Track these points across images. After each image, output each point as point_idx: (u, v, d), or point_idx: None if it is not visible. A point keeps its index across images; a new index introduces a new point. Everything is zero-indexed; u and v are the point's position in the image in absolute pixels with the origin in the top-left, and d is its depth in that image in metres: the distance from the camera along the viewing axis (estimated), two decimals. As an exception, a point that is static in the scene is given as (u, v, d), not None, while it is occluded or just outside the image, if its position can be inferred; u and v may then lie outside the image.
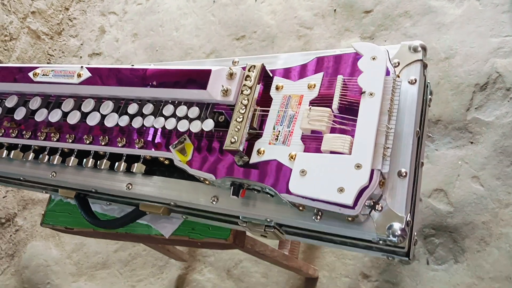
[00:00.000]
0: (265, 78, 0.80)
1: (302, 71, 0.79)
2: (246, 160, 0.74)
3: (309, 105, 0.74)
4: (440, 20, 1.63)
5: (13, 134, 0.95)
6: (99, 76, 0.86)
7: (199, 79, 0.77)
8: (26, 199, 1.98)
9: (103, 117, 0.85)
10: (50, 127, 0.92)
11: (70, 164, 0.91)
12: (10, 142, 0.97)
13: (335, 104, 0.72)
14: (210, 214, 0.86)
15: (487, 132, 1.44)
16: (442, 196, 1.41)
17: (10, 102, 0.94)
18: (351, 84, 0.74)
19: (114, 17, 2.36)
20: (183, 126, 0.77)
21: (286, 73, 0.80)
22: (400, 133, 0.72)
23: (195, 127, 0.76)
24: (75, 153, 0.92)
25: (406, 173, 0.70)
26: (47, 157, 0.94)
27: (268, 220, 0.77)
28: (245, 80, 0.76)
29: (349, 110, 0.72)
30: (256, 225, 0.79)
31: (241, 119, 0.74)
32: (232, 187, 0.75)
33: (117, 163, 0.87)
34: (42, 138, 0.92)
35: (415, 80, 0.75)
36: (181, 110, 0.78)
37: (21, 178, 1.01)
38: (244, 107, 0.74)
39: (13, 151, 0.97)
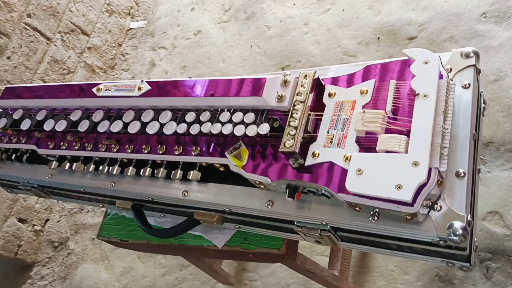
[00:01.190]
0: (318, 86, 0.82)
1: (353, 79, 0.82)
2: (301, 163, 0.75)
3: (362, 109, 0.75)
4: (488, 43, 1.63)
5: (76, 147, 1.00)
6: (158, 88, 0.91)
7: (254, 86, 0.80)
8: (78, 224, 2.04)
9: (161, 126, 0.89)
10: (110, 139, 0.97)
11: (128, 174, 0.95)
12: (73, 155, 1.02)
13: (389, 106, 0.74)
14: (264, 221, 0.87)
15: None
16: (497, 218, 1.37)
17: (74, 116, 1.00)
18: (403, 88, 0.75)
19: (164, 51, 2.48)
20: (239, 130, 0.80)
21: (338, 82, 0.82)
22: (457, 135, 0.72)
23: (251, 131, 0.79)
24: (134, 163, 0.96)
25: (464, 173, 0.69)
26: (106, 168, 0.98)
27: (323, 223, 0.77)
28: (300, 87, 0.79)
29: (403, 112, 0.73)
30: (311, 229, 0.79)
31: (296, 122, 0.76)
32: (287, 190, 0.77)
33: (173, 171, 0.90)
34: (103, 149, 0.97)
35: (469, 85, 0.76)
36: (237, 116, 0.81)
37: (82, 190, 1.06)
38: (298, 111, 0.76)
39: (75, 163, 1.02)
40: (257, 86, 0.80)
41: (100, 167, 0.99)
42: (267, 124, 0.78)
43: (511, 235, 1.33)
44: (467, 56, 0.78)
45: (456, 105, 0.74)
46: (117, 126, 0.93)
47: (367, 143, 0.73)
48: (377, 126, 0.71)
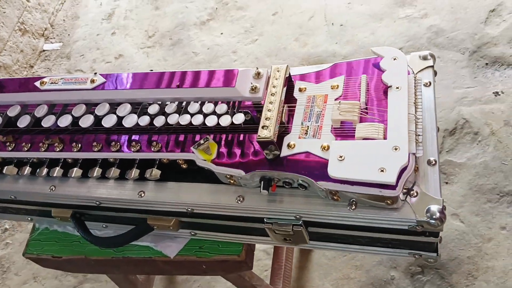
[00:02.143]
0: (288, 82, 0.82)
1: (321, 75, 0.83)
2: (276, 154, 0.73)
3: (337, 101, 0.76)
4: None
5: (9, 148, 0.89)
6: (115, 80, 0.85)
7: (226, 77, 0.78)
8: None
9: (119, 119, 0.82)
10: (52, 138, 0.87)
11: (73, 175, 0.85)
12: (5, 157, 0.91)
13: (362, 98, 0.75)
14: (228, 222, 0.83)
15: (461, 173, 1.51)
16: (425, 233, 1.44)
17: (12, 112, 0.89)
18: (374, 82, 0.78)
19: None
20: (211, 121, 0.76)
21: (306, 78, 0.83)
22: (424, 127, 0.75)
23: (225, 121, 0.76)
24: (79, 164, 0.87)
25: (435, 161, 0.72)
26: (45, 170, 0.88)
27: (297, 217, 0.75)
28: (274, 80, 0.78)
29: (375, 103, 0.75)
30: (282, 225, 0.77)
31: (272, 113, 0.74)
32: (261, 182, 0.74)
33: (128, 171, 0.83)
34: (43, 149, 0.87)
35: (430, 83, 0.81)
36: (208, 107, 0.78)
37: (12, 197, 0.93)
38: (274, 102, 0.75)
39: (6, 167, 0.90)
40: (229, 77, 0.78)
41: (38, 170, 0.88)
42: (242, 114, 0.76)
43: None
44: (425, 58, 0.83)
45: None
46: (65, 121, 0.84)
47: (342, 133, 0.73)
48: (354, 115, 0.72)
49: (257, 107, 0.80)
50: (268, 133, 0.72)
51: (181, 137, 0.81)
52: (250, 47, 2.12)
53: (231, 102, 0.79)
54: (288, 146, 0.74)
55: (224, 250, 0.90)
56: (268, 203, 0.76)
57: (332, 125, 0.75)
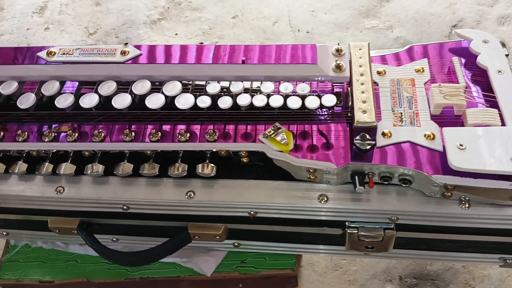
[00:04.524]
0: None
1: (400, 58, 0.74)
2: (372, 143, 0.62)
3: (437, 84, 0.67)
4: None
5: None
6: (152, 53, 0.68)
7: (303, 53, 0.66)
8: None
9: (168, 99, 0.65)
10: (62, 124, 0.68)
11: (91, 172, 0.66)
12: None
13: (462, 81, 0.67)
14: (292, 228, 0.69)
15: None
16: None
17: (6, 88, 0.67)
18: (464, 65, 0.71)
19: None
20: (294, 103, 0.63)
21: (384, 60, 0.73)
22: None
23: (312, 102, 0.63)
24: (98, 157, 0.68)
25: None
26: (49, 166, 0.67)
27: (392, 218, 0.64)
28: (358, 58, 0.67)
29: (477, 87, 0.67)
30: (371, 230, 0.65)
31: (366, 94, 0.63)
32: (355, 178, 0.62)
33: (171, 166, 0.66)
34: (49, 139, 0.67)
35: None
36: (286, 87, 0.64)
37: (-5, 203, 0.71)
38: (364, 83, 0.64)
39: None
40: (307, 53, 0.66)
41: (38, 167, 0.68)
42: (333, 96, 0.63)
43: (434, 258, 1.36)
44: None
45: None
46: (90, 101, 0.65)
47: (443, 119, 0.64)
48: (461, 99, 0.64)
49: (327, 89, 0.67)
50: (369, 118, 0.60)
51: (242, 125, 0.66)
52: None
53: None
54: (383, 134, 0.63)
55: (274, 264, 0.76)
56: (353, 202, 0.64)
57: (430, 111, 0.65)
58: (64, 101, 0.65)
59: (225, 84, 0.67)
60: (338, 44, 0.67)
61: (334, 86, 0.69)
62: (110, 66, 0.67)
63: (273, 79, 0.66)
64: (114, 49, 0.68)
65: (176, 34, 2.08)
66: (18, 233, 0.80)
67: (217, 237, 0.70)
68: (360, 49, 0.68)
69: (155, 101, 0.64)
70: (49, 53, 0.69)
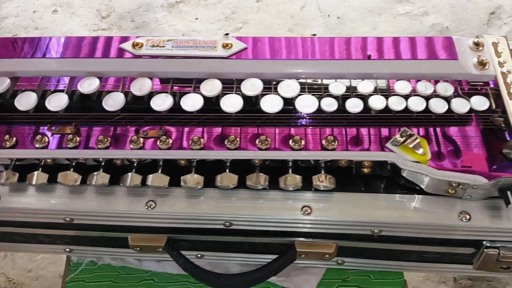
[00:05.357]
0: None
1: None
2: (528, 153, 0.54)
3: None
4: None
5: (70, 143, 0.57)
6: (259, 47, 0.58)
7: (440, 47, 0.57)
8: None
9: (288, 101, 0.55)
10: (152, 128, 0.58)
11: (188, 184, 0.57)
12: (71, 158, 0.58)
13: None
14: (420, 247, 0.61)
15: None
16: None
17: (86, 86, 0.57)
18: None
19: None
20: (440, 106, 0.54)
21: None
22: None
23: (462, 106, 0.54)
24: (194, 166, 0.58)
25: None
26: (135, 177, 0.58)
27: (540, 238, 0.56)
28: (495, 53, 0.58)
29: None
30: (513, 249, 0.57)
31: (520, 96, 0.54)
32: (509, 193, 0.53)
33: (282, 178, 0.57)
34: (135, 146, 0.57)
35: None
36: (426, 87, 0.55)
37: (67, 219, 0.61)
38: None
39: (71, 172, 0.58)
40: (445, 47, 0.57)
41: (123, 178, 0.58)
42: (484, 97, 0.55)
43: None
44: None
45: None
46: (193, 103, 0.55)
47: None
48: None
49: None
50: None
51: (363, 130, 0.57)
52: (235, 35, 1.87)
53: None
54: (533, 143, 0.55)
55: (380, 283, 0.68)
56: (494, 220, 0.56)
57: None
58: (161, 103, 0.55)
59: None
60: (477, 37, 0.58)
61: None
62: (212, 61, 0.57)
63: (403, 77, 0.57)
64: (214, 42, 0.58)
65: (197, 18, 1.97)
66: (83, 249, 0.70)
67: (326, 255, 0.62)
68: (498, 43, 0.59)
69: (271, 103, 0.54)
70: (135, 45, 0.59)
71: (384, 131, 0.57)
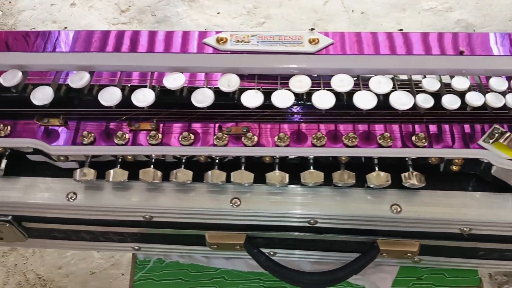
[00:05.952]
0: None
1: None
2: None
3: None
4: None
5: (153, 140, 0.56)
6: (346, 41, 0.58)
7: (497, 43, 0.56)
8: None
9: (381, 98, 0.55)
10: (236, 124, 0.57)
11: (274, 180, 0.56)
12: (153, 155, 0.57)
13: None
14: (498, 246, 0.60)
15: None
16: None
17: (171, 81, 0.56)
18: None
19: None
20: (537, 104, 0.53)
21: None
22: None
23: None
24: (277, 163, 0.57)
25: None
26: (222, 175, 0.56)
27: None
28: None
29: None
30: None
31: None
32: None
33: (370, 176, 0.56)
34: (222, 141, 0.56)
35: None
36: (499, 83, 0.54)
37: (146, 217, 0.59)
38: None
39: (145, 170, 0.57)
40: (502, 43, 0.56)
41: (207, 175, 0.57)
42: None
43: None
44: None
45: None
46: (283, 101, 0.54)
47: None
48: None
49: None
50: None
51: (455, 127, 0.56)
52: (257, 30, 1.85)
53: None
54: None
55: (456, 281, 0.68)
56: None
57: None
58: (253, 100, 0.54)
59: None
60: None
61: None
62: (299, 57, 0.56)
63: (493, 74, 0.56)
64: (300, 36, 0.57)
65: (218, 13, 1.95)
66: (150, 247, 0.69)
67: (409, 253, 0.61)
68: None
69: (365, 100, 0.53)
70: (219, 40, 0.57)
71: (466, 128, 0.56)
